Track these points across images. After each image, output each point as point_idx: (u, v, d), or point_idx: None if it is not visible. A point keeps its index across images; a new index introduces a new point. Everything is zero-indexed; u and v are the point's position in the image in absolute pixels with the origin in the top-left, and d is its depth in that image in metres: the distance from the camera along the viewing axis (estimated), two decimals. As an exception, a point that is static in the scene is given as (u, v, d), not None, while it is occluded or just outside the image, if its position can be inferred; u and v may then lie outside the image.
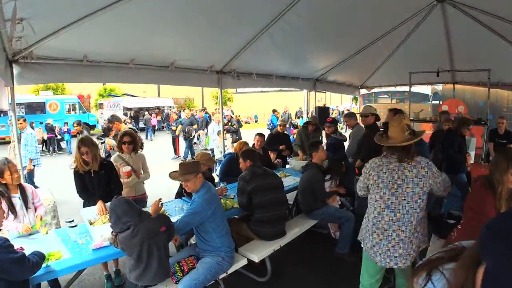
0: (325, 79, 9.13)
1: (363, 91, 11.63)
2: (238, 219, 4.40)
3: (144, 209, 3.61)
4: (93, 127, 24.46)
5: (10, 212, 3.46)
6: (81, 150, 3.99)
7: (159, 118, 27.57)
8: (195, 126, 13.02)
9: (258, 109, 36.52)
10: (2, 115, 21.13)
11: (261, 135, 6.28)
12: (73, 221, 3.70)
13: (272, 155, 6.73)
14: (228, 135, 12.45)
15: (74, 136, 20.81)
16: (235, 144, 6.00)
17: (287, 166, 7.08)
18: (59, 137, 17.43)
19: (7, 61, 3.91)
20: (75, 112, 24.06)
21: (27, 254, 2.60)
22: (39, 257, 2.67)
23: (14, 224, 3.48)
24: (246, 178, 4.09)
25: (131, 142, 4.71)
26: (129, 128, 7.37)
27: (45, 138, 17.22)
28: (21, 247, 3.08)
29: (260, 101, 36.58)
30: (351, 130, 6.52)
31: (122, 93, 30.59)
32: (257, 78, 7.01)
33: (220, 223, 3.49)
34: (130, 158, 4.73)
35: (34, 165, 7.79)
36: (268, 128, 16.19)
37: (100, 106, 27.55)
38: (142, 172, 4.86)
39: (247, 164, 4.27)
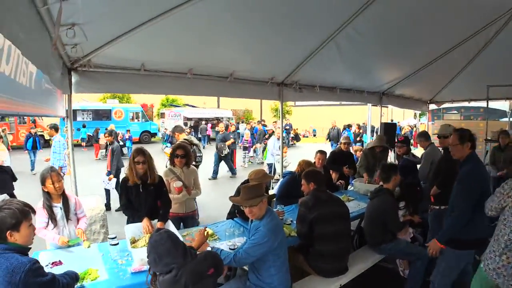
0: (392, 93, 8.45)
1: (432, 106, 10.67)
2: (294, 249, 3.86)
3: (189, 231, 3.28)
4: (154, 135, 25.67)
5: (50, 221, 3.41)
6: (136, 159, 3.75)
7: (217, 129, 27.77)
8: (228, 142, 12.08)
9: (317, 123, 35.70)
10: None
11: (322, 152, 5.79)
12: (115, 237, 3.45)
13: (334, 175, 6.19)
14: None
15: (135, 143, 22.01)
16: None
17: (350, 188, 6.46)
18: (121, 143, 17.99)
19: (65, 68, 3.83)
20: (138, 120, 25.44)
21: (64, 270, 2.52)
22: (71, 278, 2.45)
23: (52, 235, 3.39)
24: (308, 204, 3.58)
25: (184, 156, 4.45)
26: (185, 139, 7.21)
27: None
28: (59, 261, 3.04)
29: (319, 115, 35.75)
30: (423, 151, 5.81)
31: (183, 103, 31.55)
32: (320, 91, 6.54)
33: (282, 256, 3.04)
34: (181, 172, 4.46)
35: (63, 173, 7.58)
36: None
37: (162, 115, 28.64)
38: (194, 188, 4.56)
39: (311, 187, 3.75)
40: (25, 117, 20.60)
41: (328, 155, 6.14)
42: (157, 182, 3.92)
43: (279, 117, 6.84)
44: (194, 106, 30.18)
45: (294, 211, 4.50)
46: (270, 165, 10.62)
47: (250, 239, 2.99)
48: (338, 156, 6.63)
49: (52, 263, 3.04)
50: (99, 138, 18.13)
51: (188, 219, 4.53)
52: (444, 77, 7.98)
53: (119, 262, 3.15)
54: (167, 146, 20.43)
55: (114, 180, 7.63)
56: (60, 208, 3.51)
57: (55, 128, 8.28)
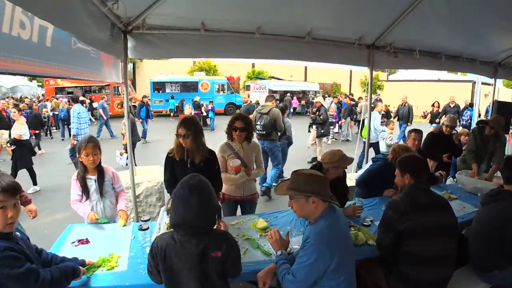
0: (511, 64, 6.72)
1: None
2: (371, 262, 2.90)
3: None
4: (239, 107, 25.79)
5: (83, 194, 3.20)
6: (178, 131, 3.21)
7: (303, 102, 27.03)
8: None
9: (412, 101, 32.20)
10: (160, 91, 23.76)
11: (417, 132, 4.63)
12: (148, 220, 3.13)
13: (431, 164, 4.99)
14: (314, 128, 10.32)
15: (220, 114, 22.22)
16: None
17: (449, 182, 5.04)
18: (204, 114, 18.41)
19: (118, 31, 3.48)
20: (224, 92, 25.75)
21: (90, 250, 2.55)
22: (63, 273, 2.06)
23: (83, 209, 3.19)
24: (399, 208, 2.55)
25: (244, 129, 3.70)
26: (258, 110, 6.74)
27: (192, 114, 18.40)
28: (86, 239, 2.87)
29: (414, 92, 32.05)
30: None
31: (269, 76, 31.03)
32: (420, 57, 5.26)
33: (347, 280, 2.15)
34: (241, 148, 3.75)
35: (76, 140, 7.81)
36: (462, 125, 12.06)
37: (247, 87, 28.58)
38: (255, 167, 3.87)
39: (406, 180, 2.75)
40: (118, 88, 21.96)
41: (425, 136, 4.92)
42: (208, 158, 3.34)
43: (368, 90, 5.74)
44: (280, 79, 29.46)
45: (377, 207, 3.57)
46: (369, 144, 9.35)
47: (298, 256, 2.20)
48: (438, 139, 5.34)
49: (79, 240, 2.84)
50: (184, 109, 18.66)
51: (246, 204, 3.88)
52: None
53: (147, 250, 2.68)
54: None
55: (125, 155, 7.52)
56: (95, 181, 3.23)
57: (73, 98, 8.87)
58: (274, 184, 6.62)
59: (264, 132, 6.85)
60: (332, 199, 2.18)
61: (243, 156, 3.72)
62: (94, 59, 3.63)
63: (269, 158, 7.27)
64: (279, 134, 7.21)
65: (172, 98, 22.49)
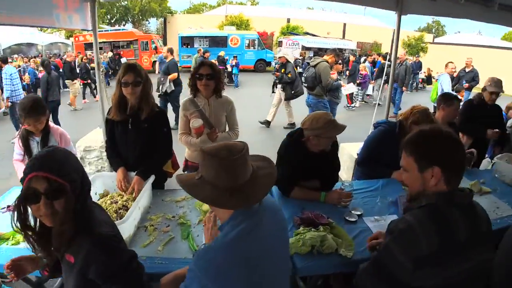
0: None
1: None
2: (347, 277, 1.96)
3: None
4: (269, 64, 24.97)
5: (25, 155, 2.90)
6: (124, 78, 2.46)
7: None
8: (172, 76, 8.10)
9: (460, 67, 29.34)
10: (188, 46, 23.19)
11: (454, 100, 3.50)
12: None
13: (465, 140, 3.92)
14: (280, 88, 8.66)
15: (250, 71, 21.31)
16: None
17: (484, 165, 3.91)
18: (229, 69, 17.91)
19: None
20: (254, 48, 24.63)
21: None
22: None
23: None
24: (419, 246, 1.38)
25: (212, 77, 2.87)
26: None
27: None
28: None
29: (461, 58, 28.72)
30: None
31: (304, 31, 29.51)
32: (466, 3, 3.99)
33: None
34: (207, 105, 2.96)
35: (11, 102, 7.69)
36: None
37: (280, 43, 27.34)
38: (227, 129, 3.11)
39: (430, 181, 1.45)
40: (147, 44, 22.28)
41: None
42: (156, 116, 2.62)
43: (410, 52, 4.64)
44: (315, 35, 27.80)
45: (377, 193, 2.61)
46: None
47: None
48: (475, 111, 4.15)
49: (8, 207, 2.53)
50: (207, 64, 18.10)
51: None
52: None
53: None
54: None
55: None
56: (37, 143, 2.90)
57: (2, 59, 8.66)
58: None
59: (306, 85, 6.79)
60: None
61: (210, 115, 2.94)
62: (39, 2, 3.02)
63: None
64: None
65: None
